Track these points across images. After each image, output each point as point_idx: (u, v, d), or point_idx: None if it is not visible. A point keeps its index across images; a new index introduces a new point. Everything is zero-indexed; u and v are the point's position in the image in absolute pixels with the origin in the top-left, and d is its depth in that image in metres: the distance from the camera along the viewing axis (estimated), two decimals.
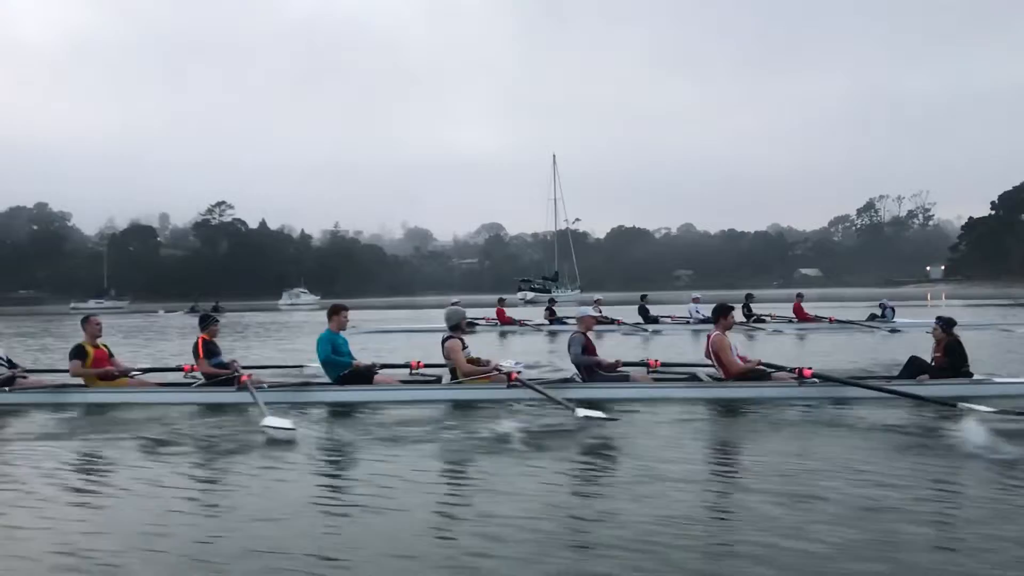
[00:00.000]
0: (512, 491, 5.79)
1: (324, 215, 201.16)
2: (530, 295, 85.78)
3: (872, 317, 26.03)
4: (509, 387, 9.96)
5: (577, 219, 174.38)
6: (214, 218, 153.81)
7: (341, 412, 9.57)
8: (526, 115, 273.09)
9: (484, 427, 8.17)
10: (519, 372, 10.23)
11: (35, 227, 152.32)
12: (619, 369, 10.88)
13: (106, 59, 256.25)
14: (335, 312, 11.12)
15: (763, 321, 26.43)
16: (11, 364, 11.90)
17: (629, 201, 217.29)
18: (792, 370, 10.17)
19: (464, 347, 10.80)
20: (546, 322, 28.07)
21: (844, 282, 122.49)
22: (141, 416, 9.53)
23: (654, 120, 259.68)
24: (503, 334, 26.21)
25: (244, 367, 11.06)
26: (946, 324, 10.52)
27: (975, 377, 10.23)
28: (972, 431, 7.39)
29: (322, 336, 10.90)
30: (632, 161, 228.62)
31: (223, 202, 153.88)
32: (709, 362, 10.69)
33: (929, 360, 10.48)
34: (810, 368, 10.03)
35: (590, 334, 11.10)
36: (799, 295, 28.50)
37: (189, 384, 11.06)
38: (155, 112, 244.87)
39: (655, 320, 27.84)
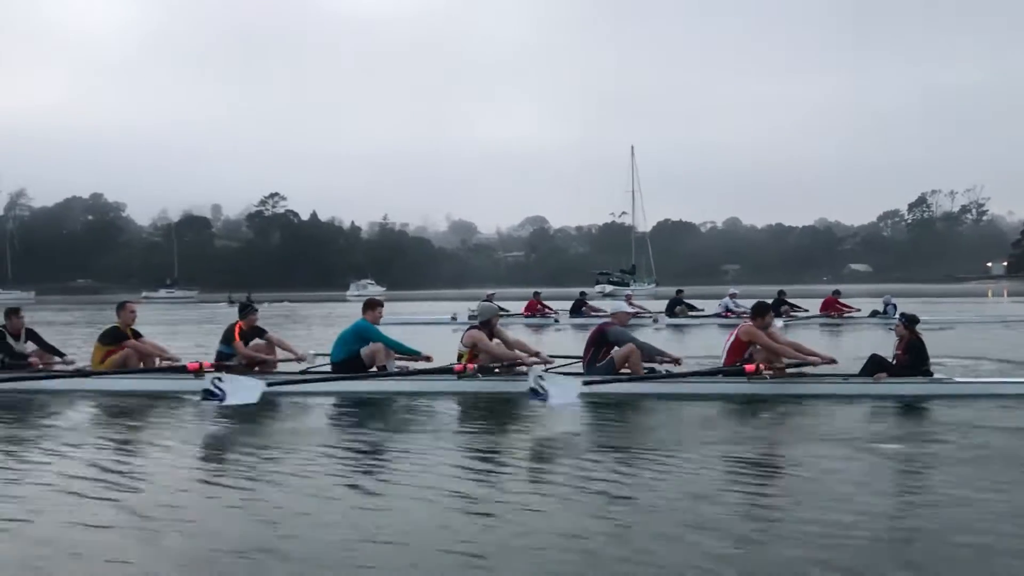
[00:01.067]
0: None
1: (370, 207, 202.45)
2: (608, 288, 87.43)
3: (874, 313, 27.09)
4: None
5: (624, 212, 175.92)
6: (267, 209, 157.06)
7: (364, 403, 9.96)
8: (568, 107, 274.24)
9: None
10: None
11: (90, 217, 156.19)
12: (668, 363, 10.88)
13: (159, 52, 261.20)
14: (371, 306, 11.56)
15: (786, 316, 26.82)
16: (49, 348, 12.40)
17: (673, 194, 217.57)
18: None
19: (491, 339, 10.94)
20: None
21: (895, 278, 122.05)
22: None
23: (696, 113, 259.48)
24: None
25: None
26: (909, 321, 10.49)
27: (935, 376, 10.19)
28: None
29: (353, 326, 11.37)
30: (675, 154, 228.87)
31: (276, 193, 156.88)
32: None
33: (891, 358, 10.39)
34: (752, 365, 9.87)
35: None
36: (835, 292, 29.50)
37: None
38: (207, 104, 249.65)
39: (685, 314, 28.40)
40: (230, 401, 8.82)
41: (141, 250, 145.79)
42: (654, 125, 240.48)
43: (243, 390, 8.94)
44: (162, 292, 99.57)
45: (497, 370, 10.77)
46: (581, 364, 10.98)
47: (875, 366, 10.27)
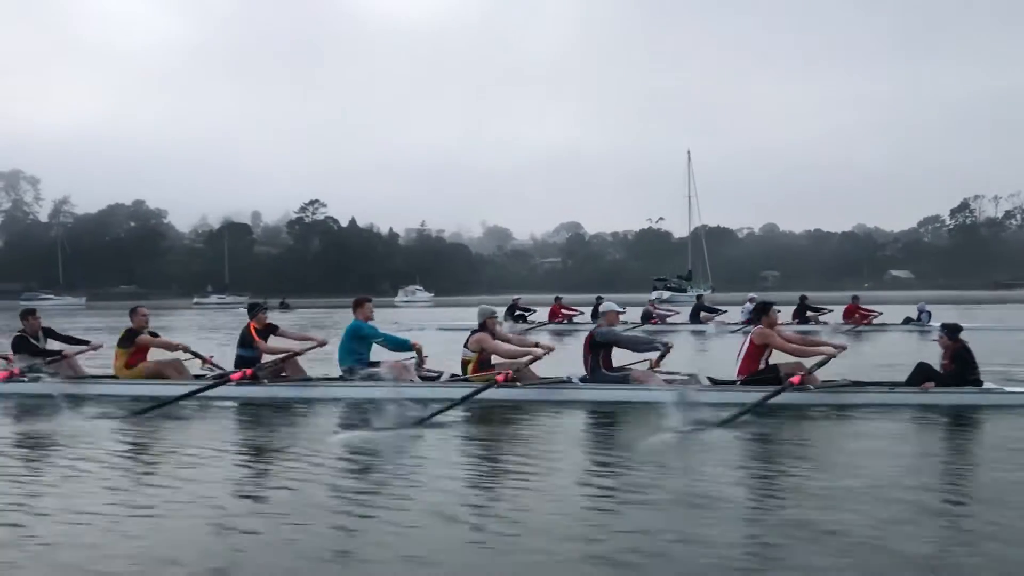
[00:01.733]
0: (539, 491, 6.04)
1: (405, 213, 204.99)
2: (666, 294, 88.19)
3: (907, 321, 27.51)
4: (499, 387, 10.23)
5: (661, 218, 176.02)
6: (307, 216, 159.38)
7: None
8: (601, 113, 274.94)
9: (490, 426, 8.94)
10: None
11: (132, 224, 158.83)
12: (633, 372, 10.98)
13: (198, 63, 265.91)
14: (359, 304, 11.83)
15: (821, 322, 28.04)
16: (71, 340, 13.24)
17: (709, 199, 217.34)
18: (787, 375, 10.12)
19: (493, 338, 11.29)
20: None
21: (938, 284, 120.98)
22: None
23: (732, 118, 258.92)
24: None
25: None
26: (951, 331, 10.37)
27: (985, 386, 10.07)
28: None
29: (349, 328, 11.73)
30: (710, 158, 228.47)
31: (316, 200, 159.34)
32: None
33: (938, 367, 10.29)
34: (798, 376, 9.79)
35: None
36: (854, 297, 29.66)
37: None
38: (245, 113, 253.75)
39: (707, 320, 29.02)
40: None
41: (183, 255, 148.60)
42: (688, 130, 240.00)
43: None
44: (213, 298, 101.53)
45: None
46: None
47: (922, 375, 10.16)
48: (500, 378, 10.36)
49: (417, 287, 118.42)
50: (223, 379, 11.05)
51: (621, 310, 11.89)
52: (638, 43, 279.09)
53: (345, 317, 12.14)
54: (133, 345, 11.97)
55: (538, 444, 7.99)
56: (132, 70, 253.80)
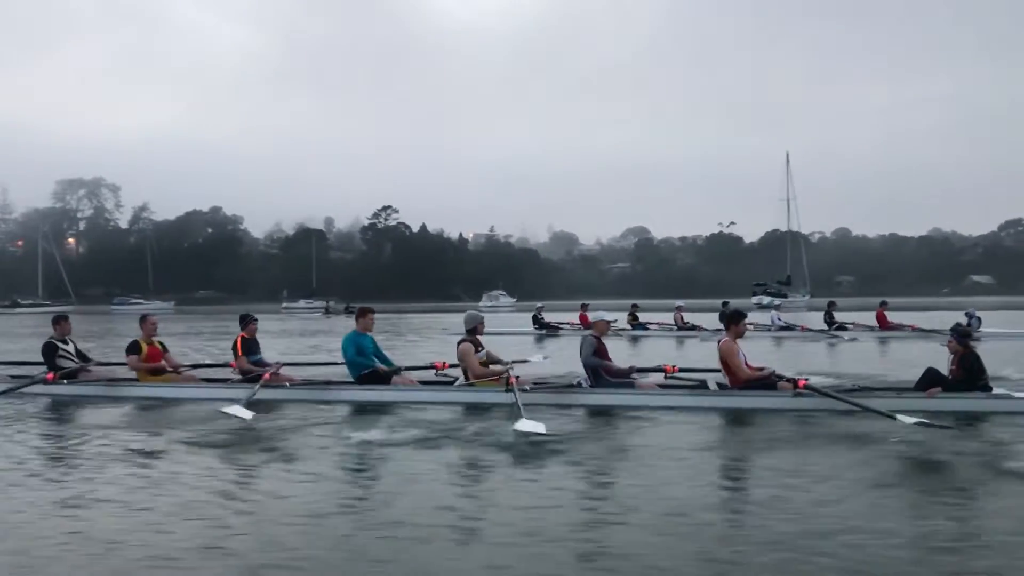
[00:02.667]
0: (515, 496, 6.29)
1: (472, 218, 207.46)
2: (766, 300, 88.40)
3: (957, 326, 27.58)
4: (507, 391, 10.25)
5: (732, 223, 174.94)
6: (380, 222, 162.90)
7: (360, 411, 10.51)
8: (665, 116, 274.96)
9: (488, 431, 8.85)
10: (517, 377, 10.65)
11: (210, 230, 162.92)
12: (633, 375, 11.31)
13: (268, 70, 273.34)
14: (362, 314, 12.04)
15: (844, 329, 27.51)
16: (83, 358, 13.22)
17: (779, 203, 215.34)
18: (789, 380, 10.32)
19: (478, 350, 11.47)
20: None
21: (1021, 290, 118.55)
22: (186, 411, 10.54)
23: (803, 121, 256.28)
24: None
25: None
26: (961, 336, 10.41)
27: (994, 392, 10.10)
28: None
29: (347, 337, 11.91)
30: (778, 162, 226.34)
31: (388, 206, 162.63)
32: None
33: (947, 373, 10.24)
34: (805, 379, 10.24)
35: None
36: (883, 303, 29.16)
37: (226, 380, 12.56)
38: (318, 120, 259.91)
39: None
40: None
41: (260, 262, 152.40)
42: (757, 134, 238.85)
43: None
44: (301, 303, 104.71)
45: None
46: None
47: (930, 380, 10.14)
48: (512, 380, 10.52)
49: (500, 292, 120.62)
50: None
51: (612, 319, 12.09)
52: (706, 46, 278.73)
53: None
54: (138, 354, 12.48)
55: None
56: (208, 80, 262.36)
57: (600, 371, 11.13)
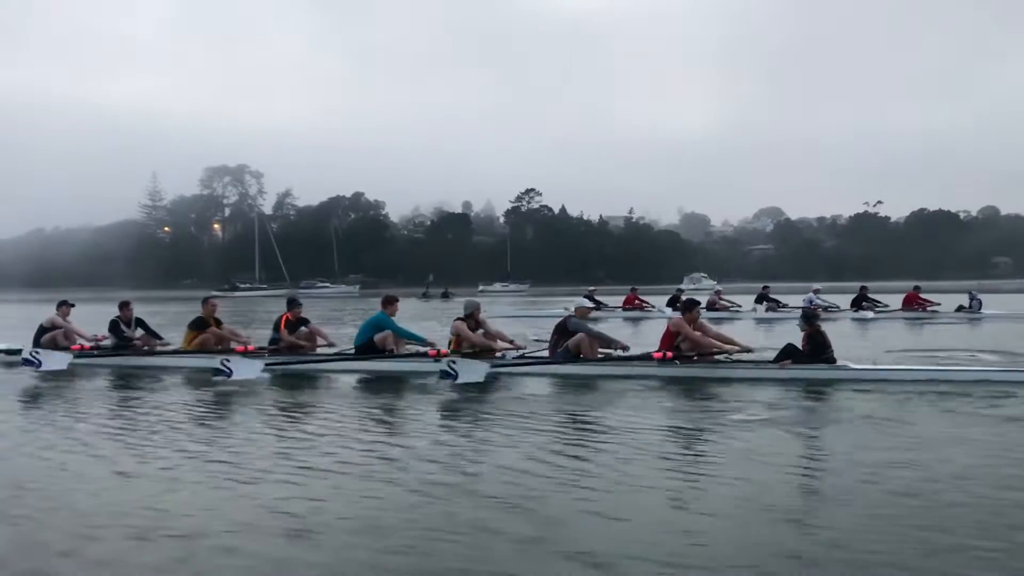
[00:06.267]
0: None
1: (602, 200, 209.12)
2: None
3: (960, 308, 29.99)
4: (436, 360, 12.70)
5: (879, 201, 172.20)
6: (523, 205, 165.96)
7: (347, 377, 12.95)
8: (789, 91, 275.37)
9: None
10: (439, 350, 13.13)
11: (352, 215, 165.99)
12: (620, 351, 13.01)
13: (394, 59, 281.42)
14: (389, 302, 14.29)
15: (871, 309, 30.40)
16: (152, 333, 15.74)
17: (921, 182, 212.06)
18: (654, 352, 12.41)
19: (475, 329, 13.60)
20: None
21: None
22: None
23: (936, 94, 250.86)
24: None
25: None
26: (806, 318, 12.66)
27: (838, 364, 11.96)
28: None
29: (373, 318, 14.25)
30: (914, 139, 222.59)
31: (532, 189, 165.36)
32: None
33: (801, 348, 12.24)
34: (672, 352, 12.21)
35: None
36: (916, 287, 32.81)
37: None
38: (453, 104, 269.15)
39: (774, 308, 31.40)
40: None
41: (405, 246, 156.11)
42: (885, 108, 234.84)
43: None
44: (497, 285, 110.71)
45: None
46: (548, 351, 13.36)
47: (785, 354, 12.26)
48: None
49: (702, 274, 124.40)
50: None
51: (592, 305, 14.20)
52: (839, 23, 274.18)
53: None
54: (201, 331, 14.83)
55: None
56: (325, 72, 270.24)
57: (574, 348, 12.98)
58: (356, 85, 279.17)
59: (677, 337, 12.38)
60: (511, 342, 13.80)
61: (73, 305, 16.39)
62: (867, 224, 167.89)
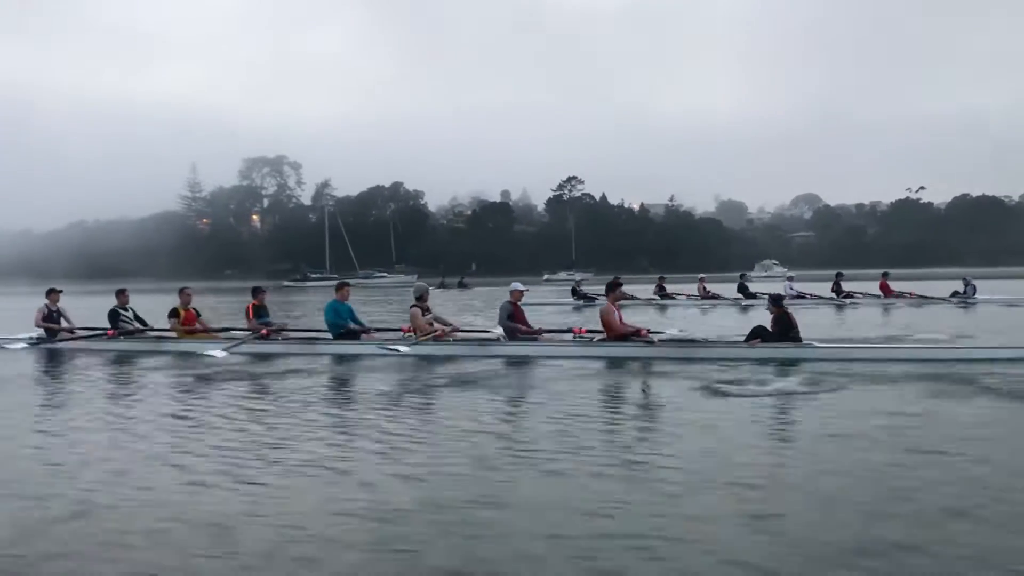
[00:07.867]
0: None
1: (640, 187, 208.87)
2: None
3: (955, 294, 30.85)
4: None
5: (922, 187, 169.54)
6: (565, 193, 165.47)
7: (338, 361, 13.81)
8: (813, 77, 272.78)
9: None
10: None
11: (392, 205, 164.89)
12: (543, 335, 14.42)
13: (436, 48, 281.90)
14: (341, 287, 15.71)
15: (851, 297, 31.52)
16: (141, 322, 16.89)
17: (958, 167, 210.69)
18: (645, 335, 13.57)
19: (425, 313, 14.55)
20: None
21: None
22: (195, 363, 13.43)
23: (969, 75, 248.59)
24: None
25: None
26: (773, 300, 13.75)
27: (803, 343, 13.03)
28: None
29: (329, 304, 15.39)
30: (948, 122, 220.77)
31: (573, 177, 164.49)
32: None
33: (770, 328, 13.28)
34: (648, 330, 13.71)
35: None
36: (884, 274, 33.63)
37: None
38: (489, 93, 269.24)
39: (754, 296, 32.13)
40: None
41: (446, 236, 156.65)
42: (917, 92, 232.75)
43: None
44: (562, 274, 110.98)
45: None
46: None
47: (754, 335, 13.32)
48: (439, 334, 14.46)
49: (773, 261, 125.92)
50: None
51: (524, 289, 15.03)
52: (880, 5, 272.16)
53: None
54: (176, 319, 16.19)
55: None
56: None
57: (515, 331, 14.20)
58: (392, 77, 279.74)
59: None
60: (450, 324, 15.00)
61: (61, 291, 17.77)
62: (909, 210, 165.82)
